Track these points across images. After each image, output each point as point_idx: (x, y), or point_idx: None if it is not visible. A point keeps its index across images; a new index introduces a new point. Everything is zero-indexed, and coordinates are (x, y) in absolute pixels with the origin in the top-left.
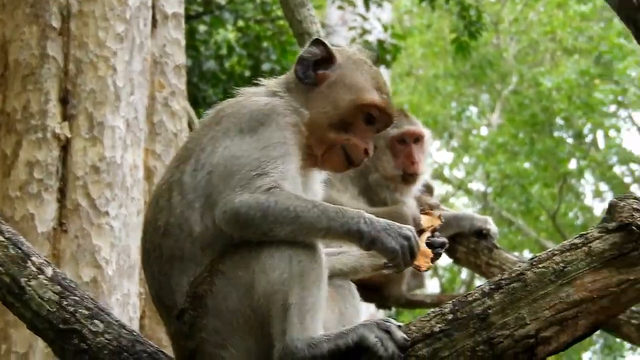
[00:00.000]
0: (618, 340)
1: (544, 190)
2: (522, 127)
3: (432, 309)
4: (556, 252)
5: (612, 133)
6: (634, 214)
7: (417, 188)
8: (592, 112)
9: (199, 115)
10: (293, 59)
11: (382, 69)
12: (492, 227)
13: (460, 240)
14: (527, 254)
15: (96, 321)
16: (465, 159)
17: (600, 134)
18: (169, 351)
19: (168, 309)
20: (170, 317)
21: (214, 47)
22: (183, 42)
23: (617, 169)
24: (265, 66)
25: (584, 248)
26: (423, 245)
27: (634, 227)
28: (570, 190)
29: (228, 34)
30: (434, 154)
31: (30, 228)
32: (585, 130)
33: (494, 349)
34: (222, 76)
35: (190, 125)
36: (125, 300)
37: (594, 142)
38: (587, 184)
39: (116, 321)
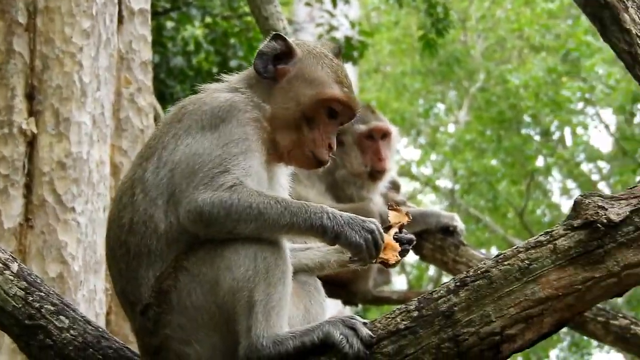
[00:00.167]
0: (585, 337)
1: (512, 187)
2: (489, 125)
3: (398, 306)
4: (521, 250)
5: (579, 130)
6: (598, 211)
7: (383, 185)
8: (559, 110)
9: (166, 112)
10: None
11: (349, 66)
12: (459, 224)
13: (427, 237)
14: (494, 251)
15: (62, 317)
16: (433, 156)
17: (567, 131)
18: (135, 347)
19: (132, 304)
20: (134, 313)
21: (182, 44)
22: (149, 38)
23: (585, 167)
24: (233, 63)
25: (549, 245)
26: (391, 239)
27: (598, 225)
28: (537, 187)
29: (195, 30)
30: (401, 151)
31: None
32: (553, 128)
33: (459, 346)
34: (189, 72)
35: (156, 121)
36: (91, 296)
37: (562, 140)
38: (555, 181)
39: (82, 317)
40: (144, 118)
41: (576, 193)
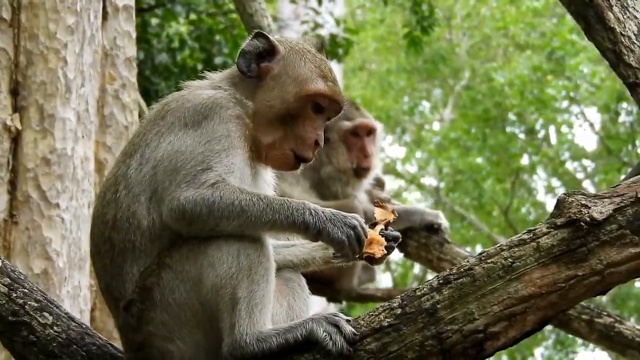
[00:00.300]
0: (570, 336)
1: (497, 185)
2: (474, 123)
3: (382, 303)
4: (504, 248)
5: (564, 129)
6: (582, 209)
7: (368, 182)
8: (544, 108)
9: (150, 109)
10: None
11: (334, 64)
12: (443, 221)
13: (411, 234)
14: (479, 249)
15: (45, 313)
16: (418, 154)
17: (552, 129)
18: (119, 344)
19: (116, 300)
20: (118, 309)
21: (166, 40)
22: (134, 35)
23: (569, 165)
24: (218, 59)
25: (532, 243)
26: (377, 235)
27: (582, 223)
28: (522, 185)
29: (180, 27)
30: (386, 149)
31: None
32: (538, 126)
33: (442, 344)
34: (174, 69)
35: (141, 118)
36: (75, 292)
37: (546, 138)
38: (540, 179)
39: (65, 314)
40: (128, 114)
41: (561, 191)
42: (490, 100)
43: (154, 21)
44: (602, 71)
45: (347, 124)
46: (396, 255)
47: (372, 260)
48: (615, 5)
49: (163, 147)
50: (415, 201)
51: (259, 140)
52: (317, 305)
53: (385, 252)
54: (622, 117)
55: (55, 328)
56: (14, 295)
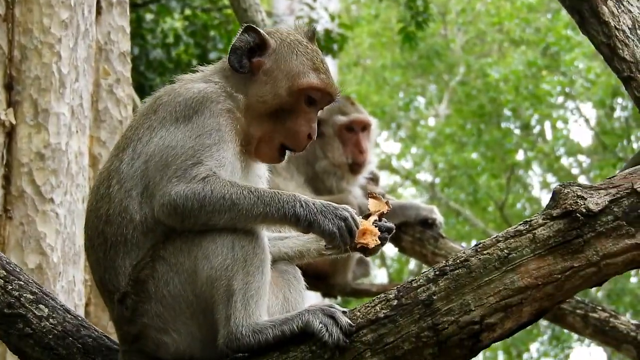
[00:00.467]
0: (566, 331)
1: (492, 181)
2: (469, 118)
3: (378, 295)
4: (500, 239)
5: (559, 124)
6: (577, 200)
7: (363, 177)
8: (539, 104)
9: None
10: None
11: (329, 59)
12: (438, 216)
13: (406, 229)
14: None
15: (41, 306)
16: (413, 150)
17: (547, 125)
18: (115, 338)
19: (110, 293)
20: (112, 302)
21: (161, 36)
22: (128, 29)
23: (565, 161)
24: (212, 55)
25: (528, 235)
26: (370, 225)
27: (577, 214)
28: (517, 181)
29: (175, 22)
30: (381, 145)
31: None
32: (533, 122)
33: (438, 335)
34: (168, 65)
35: (134, 112)
36: (70, 287)
37: (542, 134)
38: (535, 175)
39: (61, 306)
40: (122, 109)
41: None
42: (485, 95)
43: (149, 17)
44: (597, 66)
45: (342, 119)
46: (391, 251)
47: (366, 250)
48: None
49: (155, 141)
50: (410, 197)
51: (250, 133)
52: (313, 300)
53: (379, 242)
54: (617, 113)
55: (51, 320)
56: (10, 287)
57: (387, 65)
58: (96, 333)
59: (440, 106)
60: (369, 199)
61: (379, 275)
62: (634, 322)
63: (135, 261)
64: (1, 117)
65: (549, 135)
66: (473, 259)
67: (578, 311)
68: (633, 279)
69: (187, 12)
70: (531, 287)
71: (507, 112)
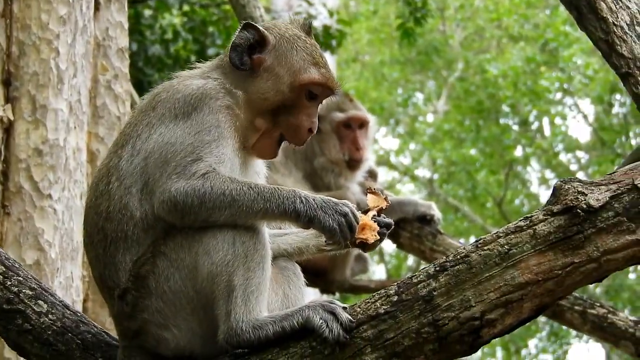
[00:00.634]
0: (564, 327)
1: (490, 177)
2: (468, 114)
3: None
4: (501, 235)
5: (557, 120)
6: (578, 196)
7: (361, 174)
8: (538, 100)
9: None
10: None
11: (328, 55)
12: (436, 212)
13: (404, 225)
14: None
15: (40, 301)
16: (412, 146)
17: (546, 121)
18: (114, 334)
19: (110, 289)
20: (112, 298)
21: (160, 32)
22: (126, 25)
23: (563, 157)
24: (211, 51)
25: (529, 230)
26: (369, 220)
27: (578, 210)
28: (516, 177)
29: (173, 18)
30: (380, 141)
31: None
32: (531, 118)
33: (439, 331)
34: (167, 61)
35: (133, 109)
36: (68, 283)
37: (540, 130)
38: (533, 171)
39: (60, 302)
40: (120, 105)
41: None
42: (483, 91)
43: (147, 12)
44: (595, 63)
45: (339, 116)
46: (390, 247)
47: (365, 246)
48: None
49: (154, 138)
50: (409, 193)
51: (249, 129)
52: (311, 296)
53: (378, 238)
54: (616, 109)
55: (50, 316)
56: (9, 283)
57: (386, 61)
58: (95, 329)
59: (439, 102)
60: (368, 194)
61: (378, 272)
62: (632, 318)
63: (135, 257)
64: None
65: (547, 131)
66: (473, 254)
67: (576, 307)
68: (632, 275)
69: (186, 8)
70: (532, 283)
71: (505, 108)
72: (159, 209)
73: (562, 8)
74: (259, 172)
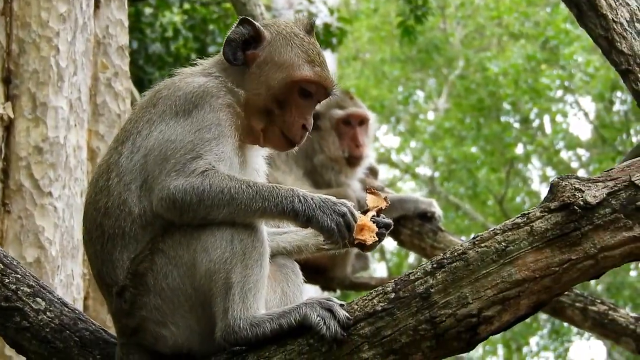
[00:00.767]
0: (565, 325)
1: (491, 174)
2: (469, 112)
3: (376, 288)
4: (498, 232)
5: (558, 118)
6: (575, 193)
7: (361, 171)
8: (538, 97)
9: (142, 96)
10: None
11: (328, 53)
12: (437, 209)
13: (405, 222)
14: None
15: (38, 299)
16: (412, 144)
17: (547, 119)
18: (113, 332)
19: (109, 286)
20: (111, 295)
21: (160, 30)
22: (126, 23)
23: (564, 154)
24: (211, 49)
25: (526, 227)
26: (368, 221)
27: (575, 207)
28: (517, 175)
29: (174, 16)
30: (381, 139)
31: None
32: (532, 115)
33: (436, 328)
34: (167, 59)
35: (133, 106)
36: (68, 281)
37: (541, 127)
38: (534, 168)
39: (58, 299)
40: (120, 103)
41: None
42: (484, 89)
43: (148, 10)
44: (596, 60)
45: (339, 113)
46: (391, 244)
47: (363, 246)
48: None
49: (154, 135)
50: (409, 190)
51: (250, 127)
52: (311, 294)
53: (377, 238)
54: (617, 106)
55: (48, 314)
56: (7, 280)
57: (386, 59)
58: (93, 326)
59: (440, 100)
60: (367, 194)
61: (379, 269)
62: (633, 315)
63: (133, 254)
64: None
65: (548, 128)
66: (471, 251)
67: (577, 304)
68: (633, 273)
69: (186, 6)
70: (529, 279)
71: (506, 105)
72: (158, 206)
73: (562, 5)
74: (259, 169)
